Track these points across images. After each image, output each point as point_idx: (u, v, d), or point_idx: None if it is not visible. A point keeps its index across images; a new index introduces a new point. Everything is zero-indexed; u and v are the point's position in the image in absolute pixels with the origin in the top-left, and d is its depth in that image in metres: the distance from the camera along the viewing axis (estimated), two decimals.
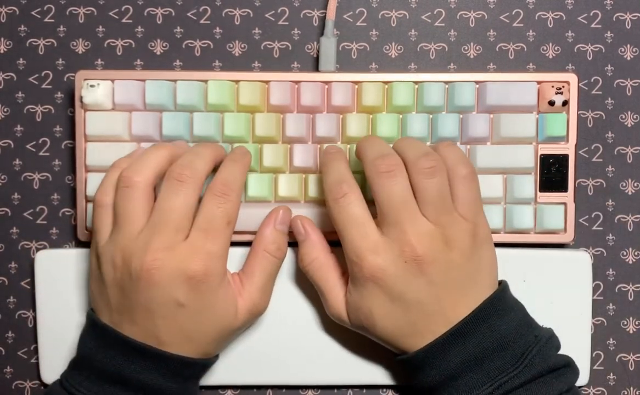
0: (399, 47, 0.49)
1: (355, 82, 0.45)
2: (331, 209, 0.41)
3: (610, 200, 0.48)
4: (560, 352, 0.41)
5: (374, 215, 0.40)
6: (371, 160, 0.40)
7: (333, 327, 0.45)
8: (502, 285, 0.41)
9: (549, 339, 0.40)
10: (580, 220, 0.48)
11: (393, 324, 0.40)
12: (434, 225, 0.39)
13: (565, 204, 0.45)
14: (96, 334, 0.40)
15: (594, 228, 0.48)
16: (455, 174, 0.40)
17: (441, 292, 0.39)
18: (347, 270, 0.42)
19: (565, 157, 0.45)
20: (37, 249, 0.48)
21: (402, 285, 0.39)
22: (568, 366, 0.40)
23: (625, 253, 0.48)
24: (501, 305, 0.40)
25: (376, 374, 0.46)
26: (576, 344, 0.45)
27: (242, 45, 0.49)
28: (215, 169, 0.42)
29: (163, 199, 0.39)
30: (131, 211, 0.39)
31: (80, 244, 0.47)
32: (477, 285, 0.40)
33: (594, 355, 0.48)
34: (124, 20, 0.48)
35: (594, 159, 0.48)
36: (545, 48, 0.49)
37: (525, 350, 0.39)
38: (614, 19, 0.49)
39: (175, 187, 0.39)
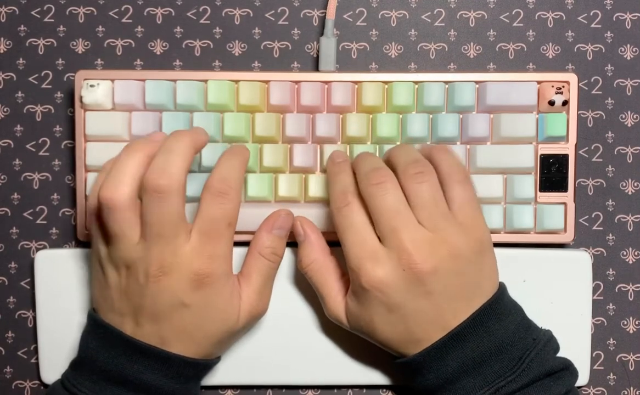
0: (399, 47, 0.49)
1: (355, 82, 0.45)
2: (334, 217, 0.41)
3: (610, 200, 0.48)
4: (560, 352, 0.41)
5: None
6: (363, 174, 0.40)
7: (333, 327, 0.45)
8: (500, 288, 0.41)
9: (547, 342, 0.40)
10: (580, 220, 0.48)
11: (393, 331, 0.40)
12: (432, 232, 0.39)
13: (565, 204, 0.45)
14: (98, 334, 0.40)
15: (594, 228, 0.48)
16: (449, 178, 0.40)
17: (441, 301, 0.39)
18: (346, 272, 0.42)
19: (565, 157, 0.45)
20: (37, 249, 0.48)
21: (401, 295, 0.39)
22: (566, 369, 0.40)
23: (625, 253, 0.48)
24: (499, 308, 0.40)
25: (376, 375, 0.46)
26: (576, 344, 0.45)
27: (242, 45, 0.49)
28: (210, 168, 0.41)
29: (148, 213, 0.38)
30: (121, 231, 0.38)
31: (80, 244, 0.47)
32: (478, 290, 0.40)
33: (594, 355, 0.48)
34: (123, 20, 0.48)
35: (594, 159, 0.48)
36: (545, 48, 0.49)
37: (523, 354, 0.39)
38: (614, 19, 0.49)
39: (156, 201, 0.37)
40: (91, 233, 0.41)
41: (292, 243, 0.45)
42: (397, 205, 0.39)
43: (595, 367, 0.48)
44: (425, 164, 0.40)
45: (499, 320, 0.39)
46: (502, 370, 0.38)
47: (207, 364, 0.41)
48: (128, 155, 0.39)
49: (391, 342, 0.41)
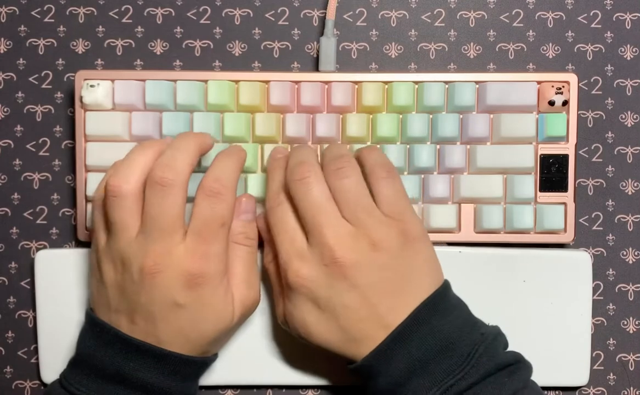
0: (399, 47, 0.49)
1: (355, 82, 0.45)
2: (267, 216, 0.41)
3: (610, 200, 0.48)
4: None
5: None
6: (289, 169, 0.40)
7: None
8: (444, 284, 0.40)
9: (496, 337, 0.39)
10: (580, 220, 0.48)
11: (327, 331, 0.39)
12: (355, 227, 0.39)
13: (565, 204, 0.45)
14: (95, 333, 0.40)
15: (594, 228, 0.48)
16: (373, 174, 0.40)
17: (370, 295, 0.38)
18: None
19: (565, 157, 0.45)
20: (37, 249, 0.48)
21: (326, 291, 0.39)
22: (518, 362, 0.39)
23: (625, 253, 0.48)
24: (442, 304, 0.39)
25: None
26: (576, 344, 0.45)
27: (242, 45, 0.49)
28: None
29: (150, 205, 0.38)
30: (122, 220, 0.39)
31: (80, 244, 0.47)
32: (414, 285, 0.39)
33: (594, 355, 0.48)
34: (124, 20, 0.48)
35: (594, 159, 0.48)
36: (545, 48, 0.49)
37: (471, 350, 0.38)
38: (614, 19, 0.49)
39: (159, 193, 0.38)
40: (93, 228, 0.41)
41: None
42: (321, 200, 0.39)
43: (595, 367, 0.48)
44: (349, 160, 0.40)
45: (443, 316, 0.38)
46: (450, 368, 0.37)
47: (203, 362, 0.41)
48: (139, 150, 0.40)
49: (330, 344, 0.40)
